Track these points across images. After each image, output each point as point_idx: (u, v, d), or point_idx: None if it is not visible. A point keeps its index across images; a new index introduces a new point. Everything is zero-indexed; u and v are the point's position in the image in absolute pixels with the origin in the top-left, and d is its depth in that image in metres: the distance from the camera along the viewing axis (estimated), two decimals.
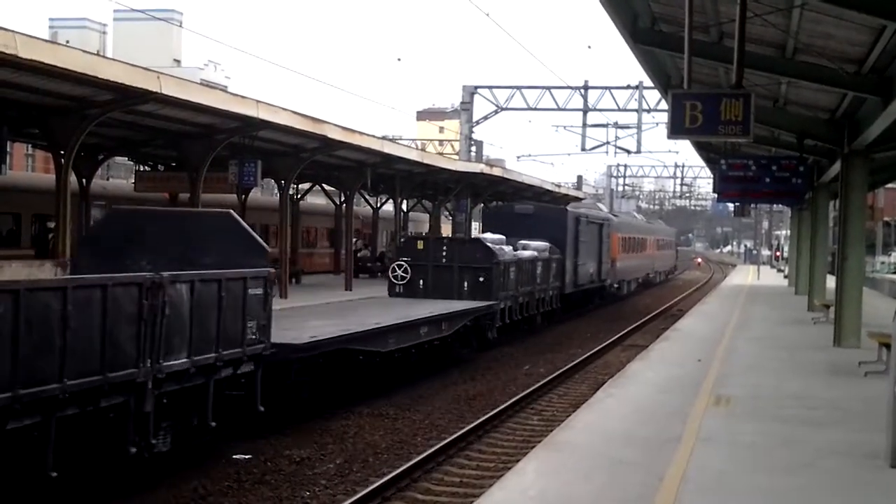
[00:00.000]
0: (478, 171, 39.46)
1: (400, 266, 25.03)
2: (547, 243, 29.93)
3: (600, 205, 52.18)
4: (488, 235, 27.56)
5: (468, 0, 34.24)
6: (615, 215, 47.42)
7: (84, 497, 10.53)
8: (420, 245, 25.69)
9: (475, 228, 51.91)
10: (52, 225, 23.04)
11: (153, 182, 30.78)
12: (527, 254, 27.72)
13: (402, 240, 33.88)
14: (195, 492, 11.30)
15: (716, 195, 29.87)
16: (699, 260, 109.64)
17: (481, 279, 24.18)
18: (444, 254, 24.95)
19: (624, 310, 39.66)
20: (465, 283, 24.41)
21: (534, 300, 28.33)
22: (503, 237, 27.47)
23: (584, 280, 34.66)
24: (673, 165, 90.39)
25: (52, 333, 8.89)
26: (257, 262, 12.66)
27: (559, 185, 57.32)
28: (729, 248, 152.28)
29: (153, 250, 12.66)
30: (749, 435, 11.54)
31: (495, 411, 16.24)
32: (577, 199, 56.32)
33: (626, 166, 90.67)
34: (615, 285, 42.71)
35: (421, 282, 24.71)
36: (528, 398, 17.97)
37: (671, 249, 69.55)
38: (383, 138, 35.52)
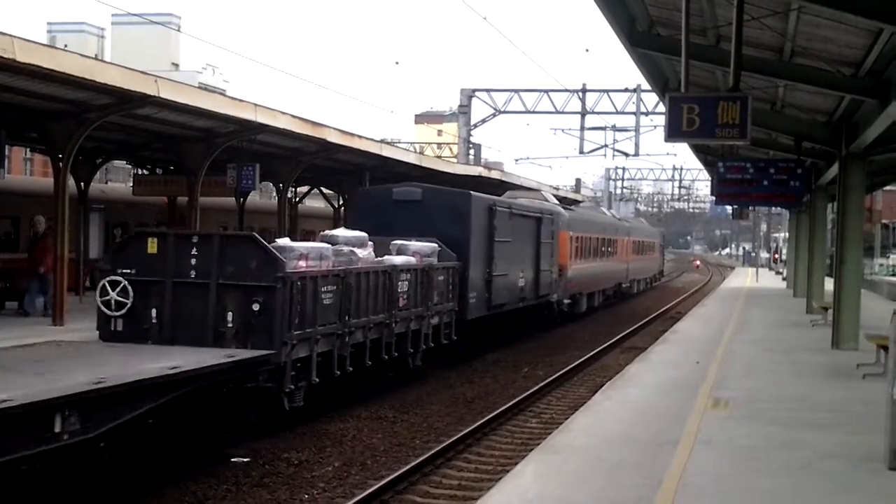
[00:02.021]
0: (476, 174, 39.35)
1: (114, 285, 14.30)
2: (433, 244, 20.03)
3: (547, 194, 37.13)
4: (339, 233, 17.70)
5: (466, 4, 33.24)
6: (568, 207, 36.72)
7: (87, 499, 10.54)
8: (152, 246, 14.50)
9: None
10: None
11: (151, 186, 30.77)
12: (399, 260, 18.35)
13: (119, 240, 22.96)
14: (194, 494, 11.30)
15: (714, 198, 29.93)
16: (697, 262, 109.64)
17: (256, 307, 13.80)
18: (193, 262, 14.23)
19: (622, 312, 39.63)
20: (230, 315, 13.94)
21: (390, 334, 17.62)
22: (363, 235, 17.67)
23: (507, 297, 24.69)
24: (671, 168, 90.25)
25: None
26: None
27: (557, 188, 57.35)
28: (727, 250, 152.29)
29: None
30: (747, 437, 11.56)
31: (494, 414, 16.24)
32: (577, 202, 52.91)
33: (624, 169, 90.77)
34: (566, 301, 32.18)
35: (154, 312, 14.23)
36: (526, 401, 17.97)
37: (655, 253, 58.42)
38: (382, 142, 35.55)
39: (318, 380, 14.64)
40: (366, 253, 17.29)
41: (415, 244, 19.50)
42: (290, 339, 13.81)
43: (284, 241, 15.43)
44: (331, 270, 15.15)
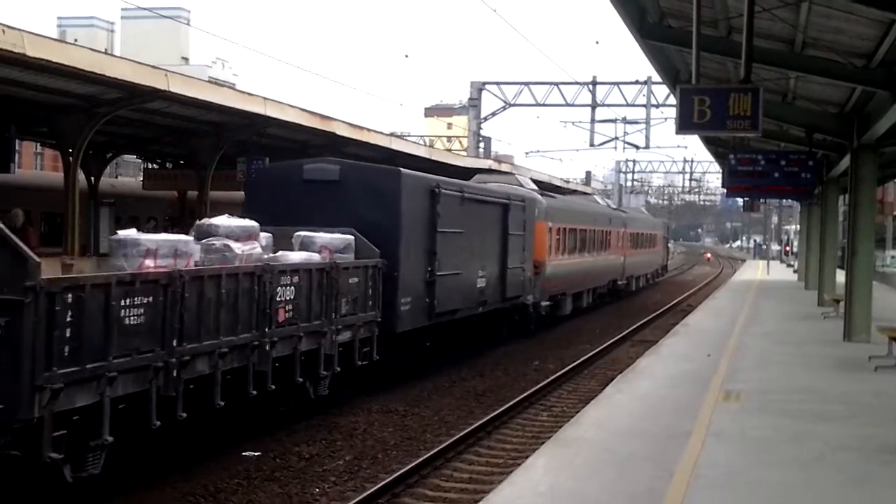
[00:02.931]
0: (486, 167, 39.31)
1: None
2: (348, 237, 15.82)
3: (522, 177, 31.78)
4: (220, 222, 13.50)
5: None
6: (548, 194, 31.37)
7: (96, 494, 10.55)
8: None
9: None
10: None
11: (161, 180, 30.83)
12: (298, 257, 14.56)
13: None
14: (205, 488, 11.31)
15: (725, 190, 29.88)
16: (708, 255, 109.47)
17: None
18: None
19: (633, 305, 39.57)
20: None
21: (263, 360, 12.99)
22: (251, 226, 13.75)
23: (460, 301, 20.33)
24: (682, 160, 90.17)
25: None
26: None
27: (568, 181, 57.25)
28: (738, 243, 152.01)
29: None
30: (759, 430, 11.53)
31: (504, 407, 16.23)
32: (586, 193, 52.00)
33: (634, 162, 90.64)
34: (545, 303, 27.69)
35: None
36: (537, 394, 17.95)
37: (657, 246, 53.33)
38: (391, 135, 35.55)
39: (111, 439, 9.93)
40: (248, 248, 13.18)
41: (323, 237, 15.34)
42: (52, 382, 9.02)
43: (127, 233, 11.79)
44: (141, 274, 10.70)
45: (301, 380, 13.93)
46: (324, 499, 11.23)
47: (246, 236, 13.39)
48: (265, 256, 13.79)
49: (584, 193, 48.11)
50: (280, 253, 14.44)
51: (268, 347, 12.88)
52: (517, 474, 9.64)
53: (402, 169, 17.96)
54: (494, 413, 15.71)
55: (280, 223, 15.53)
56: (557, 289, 29.29)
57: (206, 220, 13.71)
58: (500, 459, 13.18)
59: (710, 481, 9.19)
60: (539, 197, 27.96)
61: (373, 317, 16.20)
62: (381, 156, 31.96)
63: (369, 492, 11.02)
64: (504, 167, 42.24)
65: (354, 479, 12.02)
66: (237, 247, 12.97)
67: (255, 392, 12.62)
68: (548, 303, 27.91)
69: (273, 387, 13.02)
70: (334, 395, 15.70)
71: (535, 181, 33.97)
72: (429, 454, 12.84)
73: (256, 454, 12.85)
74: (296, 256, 14.50)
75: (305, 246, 15.05)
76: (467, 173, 34.08)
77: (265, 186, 18.42)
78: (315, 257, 14.78)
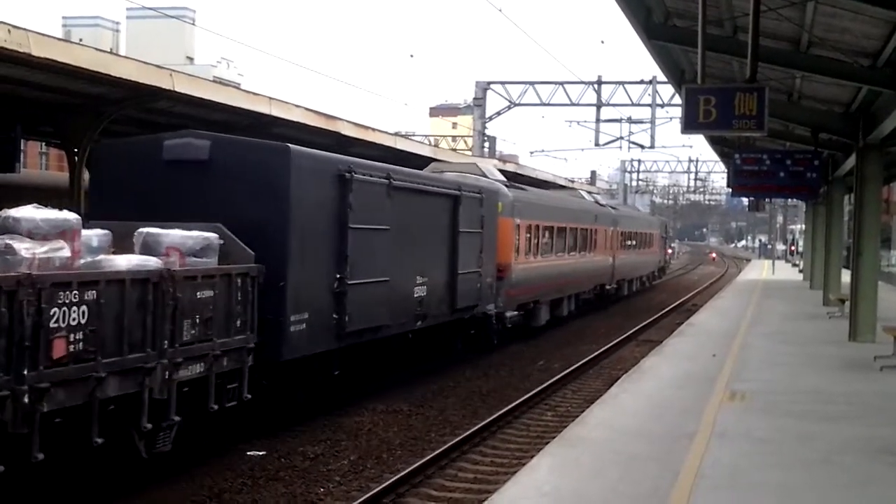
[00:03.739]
0: (490, 166, 39.09)
1: None
2: (211, 234, 12.16)
3: (486, 166, 27.13)
4: (24, 214, 9.99)
5: None
6: (517, 186, 27.18)
7: (102, 493, 10.56)
8: None
9: None
10: None
11: None
12: (123, 263, 10.73)
13: None
14: (210, 489, 11.32)
15: (730, 189, 29.80)
16: (713, 255, 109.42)
17: None
18: None
19: (638, 305, 39.55)
20: None
21: (21, 415, 8.74)
22: (62, 219, 10.27)
23: (386, 316, 16.29)
24: (687, 160, 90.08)
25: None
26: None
27: (573, 181, 57.18)
28: (743, 242, 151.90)
29: None
30: (764, 430, 11.51)
31: (509, 407, 16.22)
32: (568, 188, 45.04)
33: (639, 161, 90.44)
34: (512, 313, 23.67)
35: None
36: (541, 394, 17.95)
37: (653, 246, 49.22)
38: (396, 135, 35.54)
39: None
40: (48, 250, 9.78)
41: (173, 235, 11.67)
42: None
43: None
44: None
45: (100, 440, 9.63)
46: (328, 498, 11.24)
47: (56, 234, 10.01)
48: (82, 262, 10.36)
49: (567, 188, 42.88)
50: (102, 258, 10.78)
51: (27, 398, 8.67)
52: (522, 474, 9.63)
53: (292, 146, 13.75)
54: (499, 413, 15.71)
55: (133, 217, 12.26)
56: (528, 296, 25.48)
57: (6, 212, 9.99)
58: (504, 459, 13.18)
59: (714, 482, 9.18)
60: (504, 189, 23.91)
61: (243, 342, 12.14)
62: (387, 156, 32.01)
63: (374, 491, 11.02)
64: (509, 166, 42.02)
65: (359, 478, 12.03)
66: (25, 248, 9.49)
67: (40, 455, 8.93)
68: (515, 313, 23.95)
69: (41, 456, 8.90)
70: (335, 397, 15.69)
71: (504, 172, 29.62)
72: (433, 454, 12.84)
73: (261, 454, 12.86)
74: (122, 262, 10.64)
75: (149, 247, 11.47)
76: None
77: (117, 169, 14.12)
78: (152, 262, 10.93)
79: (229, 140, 14.32)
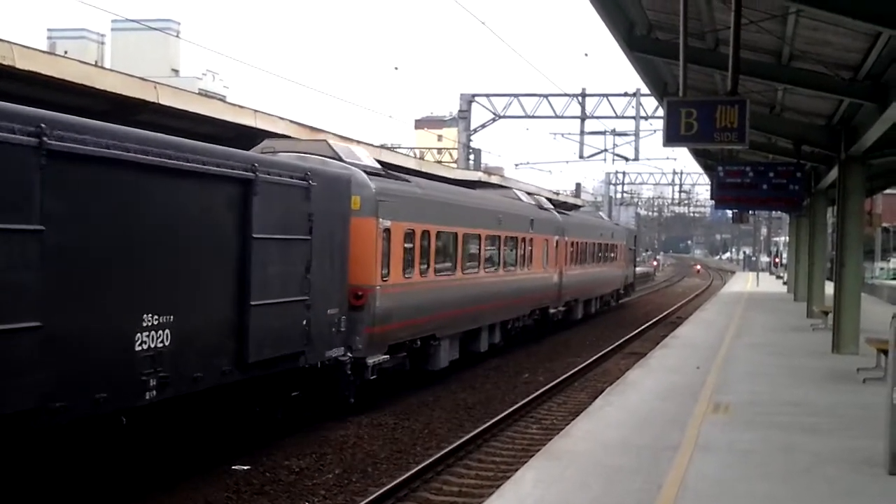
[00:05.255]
0: (476, 178, 39.04)
1: None
2: None
3: (345, 146, 18.56)
4: None
5: (465, 9, 32.65)
6: (398, 176, 19.10)
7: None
8: None
9: None
10: None
11: None
12: None
13: None
14: (194, 502, 11.28)
15: (714, 202, 29.89)
16: (698, 267, 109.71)
17: None
18: None
19: (624, 318, 39.61)
20: None
21: None
22: None
23: (66, 392, 9.20)
24: (671, 172, 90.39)
25: None
26: None
27: (557, 193, 57.27)
28: (728, 254, 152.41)
29: None
30: (747, 442, 11.55)
31: (494, 420, 16.22)
32: (501, 186, 33.92)
33: (624, 173, 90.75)
34: (379, 358, 16.67)
35: None
36: (527, 406, 17.95)
37: (617, 260, 42.83)
38: (382, 147, 35.55)
39: None
40: None
41: None
42: None
43: None
44: None
45: None
46: None
47: None
48: None
49: (500, 186, 33.57)
50: None
51: None
52: (506, 487, 9.64)
53: None
54: (484, 426, 15.71)
55: None
56: (411, 331, 18.18)
57: None
58: (489, 472, 13.18)
59: (698, 494, 9.21)
60: (362, 177, 16.52)
61: None
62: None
63: None
64: (495, 178, 41.30)
65: (344, 492, 12.01)
66: None
67: None
68: (386, 356, 16.92)
69: None
70: (325, 408, 15.65)
71: (380, 162, 20.60)
72: (418, 467, 12.83)
73: (246, 468, 12.83)
74: None
75: None
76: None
77: None
78: None
79: None
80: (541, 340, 28.55)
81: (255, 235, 12.49)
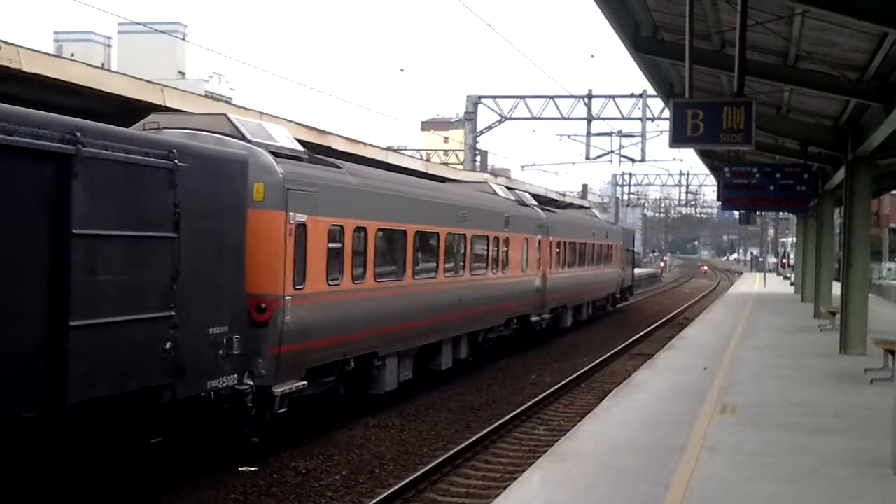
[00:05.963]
0: (482, 180, 38.99)
1: None
2: None
3: (251, 124, 14.33)
4: None
5: (471, 11, 32.52)
6: (324, 161, 15.52)
7: None
8: None
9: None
10: None
11: None
12: None
13: None
14: (201, 503, 11.31)
15: (720, 203, 29.84)
16: (705, 268, 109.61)
17: None
18: None
19: (631, 319, 39.58)
20: None
21: None
22: None
23: None
24: (678, 173, 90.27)
25: None
26: None
27: (564, 194, 57.22)
28: (735, 255, 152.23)
29: None
30: (754, 443, 11.54)
31: (501, 421, 16.23)
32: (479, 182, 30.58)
33: (630, 175, 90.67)
34: (292, 387, 13.26)
35: None
36: (534, 408, 17.95)
37: (613, 263, 39.82)
38: (388, 149, 35.57)
39: None
40: None
41: None
42: None
43: None
44: None
45: None
46: None
47: None
48: None
49: (470, 182, 31.00)
50: None
51: None
52: (513, 489, 9.65)
53: None
54: (491, 427, 15.71)
55: None
56: (339, 350, 14.95)
57: None
58: (496, 473, 13.18)
59: (705, 495, 9.20)
60: (266, 160, 13.19)
61: None
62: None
63: None
64: (501, 180, 39.41)
65: (351, 493, 12.02)
66: None
67: None
68: (302, 383, 13.71)
69: None
70: (331, 409, 15.67)
71: (316, 146, 19.95)
72: (426, 468, 12.84)
73: (253, 469, 12.84)
74: None
75: None
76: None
77: None
78: None
79: None
80: (550, 342, 28.53)
81: (76, 231, 9.24)
